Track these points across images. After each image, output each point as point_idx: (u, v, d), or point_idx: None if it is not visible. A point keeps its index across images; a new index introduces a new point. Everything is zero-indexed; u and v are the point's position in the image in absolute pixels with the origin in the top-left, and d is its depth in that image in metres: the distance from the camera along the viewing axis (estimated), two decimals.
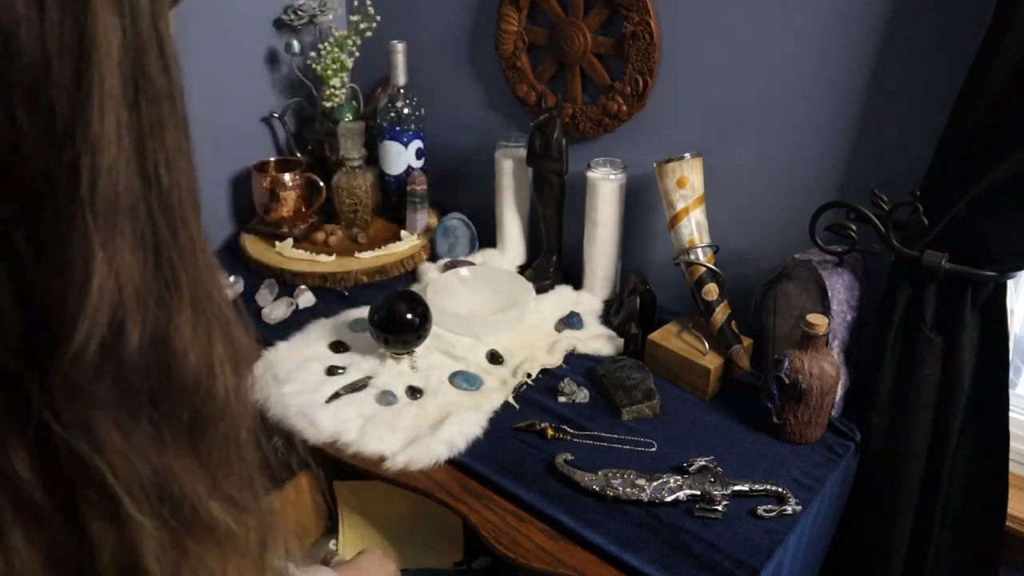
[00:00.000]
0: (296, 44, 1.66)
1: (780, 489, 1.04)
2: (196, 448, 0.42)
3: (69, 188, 0.35)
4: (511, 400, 1.21)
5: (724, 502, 1.01)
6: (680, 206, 1.26)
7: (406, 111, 1.58)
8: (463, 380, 1.24)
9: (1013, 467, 1.17)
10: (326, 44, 1.63)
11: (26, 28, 0.33)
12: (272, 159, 1.67)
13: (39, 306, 0.36)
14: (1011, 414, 1.11)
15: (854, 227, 1.15)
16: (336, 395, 1.18)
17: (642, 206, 1.45)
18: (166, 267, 0.39)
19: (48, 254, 0.36)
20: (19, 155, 0.35)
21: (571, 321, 1.39)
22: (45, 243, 0.36)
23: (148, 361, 0.39)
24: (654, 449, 1.12)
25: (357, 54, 1.67)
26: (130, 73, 0.37)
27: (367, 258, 1.54)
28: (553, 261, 1.51)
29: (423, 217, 1.63)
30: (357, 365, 1.26)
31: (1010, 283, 1.10)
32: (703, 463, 1.07)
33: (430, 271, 1.53)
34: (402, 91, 1.57)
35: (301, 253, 1.55)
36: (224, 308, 0.43)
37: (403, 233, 1.61)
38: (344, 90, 1.67)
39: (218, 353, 0.42)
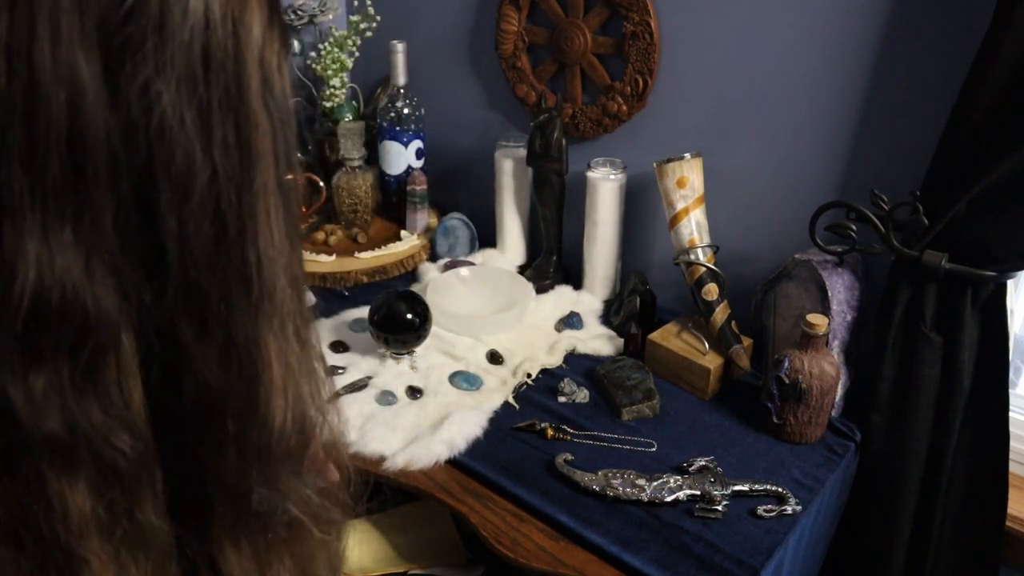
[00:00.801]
0: (296, 44, 1.66)
1: (780, 489, 1.04)
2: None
3: (243, 285, 0.40)
4: (511, 400, 1.20)
5: (724, 502, 1.01)
6: (680, 206, 1.26)
7: (406, 111, 1.58)
8: (463, 380, 1.24)
9: (1013, 467, 1.17)
10: (326, 44, 1.63)
11: (200, 153, 0.37)
12: None
13: (205, 400, 0.41)
14: (1011, 414, 1.11)
15: (854, 227, 1.15)
16: (336, 395, 1.18)
17: (642, 206, 1.45)
18: (306, 356, 0.45)
19: (218, 352, 0.40)
20: (193, 255, 0.38)
21: (571, 321, 1.39)
22: (213, 343, 0.40)
23: (300, 443, 0.45)
24: (654, 449, 1.12)
25: (357, 54, 1.67)
26: (279, 181, 0.41)
27: (367, 258, 1.54)
28: (553, 261, 1.51)
29: (423, 217, 1.63)
30: (357, 365, 1.26)
31: (1010, 283, 1.10)
32: (703, 463, 1.07)
33: (430, 271, 1.53)
34: (402, 91, 1.57)
35: None
36: (321, 365, 0.49)
37: (403, 233, 1.61)
38: (344, 90, 1.67)
39: (325, 408, 0.48)
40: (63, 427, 0.38)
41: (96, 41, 0.34)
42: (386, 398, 1.18)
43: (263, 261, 0.40)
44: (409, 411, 1.16)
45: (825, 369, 1.10)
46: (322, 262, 1.53)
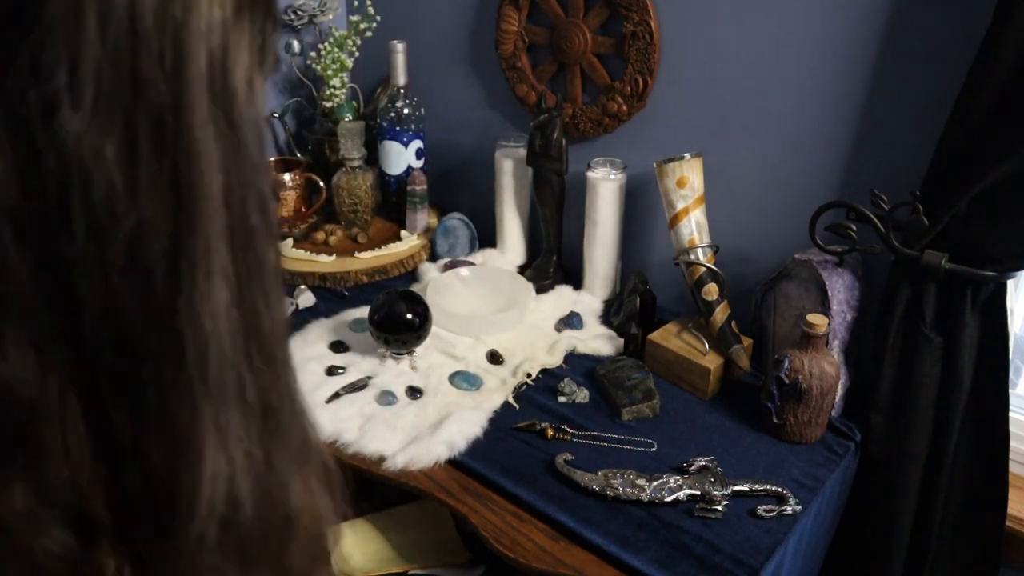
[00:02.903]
0: (296, 44, 1.66)
1: (780, 489, 1.04)
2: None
3: (174, 360, 0.32)
4: (511, 400, 1.20)
5: (724, 502, 1.01)
6: (680, 206, 1.26)
7: (406, 111, 1.58)
8: (463, 380, 1.24)
9: (1013, 467, 1.17)
10: (326, 44, 1.63)
11: (124, 197, 0.30)
12: (272, 159, 1.67)
13: (140, 475, 0.34)
14: (1011, 414, 1.11)
15: (854, 227, 1.15)
16: (336, 395, 1.18)
17: (642, 206, 1.45)
18: (272, 423, 0.37)
19: (149, 424, 0.33)
20: (110, 319, 0.31)
21: (571, 321, 1.39)
22: (144, 412, 0.33)
23: (264, 524, 0.37)
24: (654, 449, 1.12)
25: (357, 54, 1.67)
26: (233, 228, 0.33)
27: (367, 258, 1.54)
28: (553, 261, 1.51)
29: (423, 217, 1.63)
30: (357, 365, 1.26)
31: (1010, 283, 1.10)
32: (703, 463, 1.07)
33: (430, 271, 1.53)
34: (402, 91, 1.57)
35: (301, 253, 1.55)
36: (318, 446, 0.41)
37: (403, 233, 1.61)
38: (344, 90, 1.67)
39: (321, 498, 0.40)
40: None
41: None
42: (386, 398, 1.18)
43: (200, 331, 0.32)
44: (409, 411, 1.16)
45: (825, 369, 1.10)
46: (322, 262, 1.53)
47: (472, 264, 1.52)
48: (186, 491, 0.34)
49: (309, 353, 1.28)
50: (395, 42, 1.54)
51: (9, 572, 0.33)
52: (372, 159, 1.66)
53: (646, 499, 1.02)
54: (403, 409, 1.17)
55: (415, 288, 1.43)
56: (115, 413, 0.32)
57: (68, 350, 0.31)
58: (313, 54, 1.65)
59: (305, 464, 0.39)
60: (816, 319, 1.10)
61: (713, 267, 1.26)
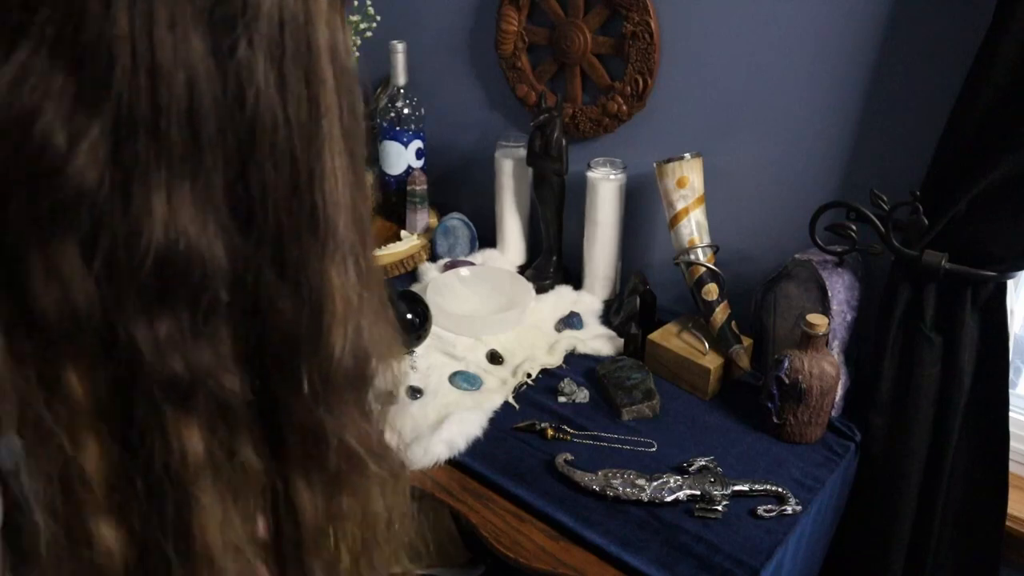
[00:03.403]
0: None
1: (780, 489, 1.04)
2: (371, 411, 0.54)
3: (311, 225, 0.44)
4: (511, 400, 1.21)
5: (724, 502, 1.01)
6: (680, 206, 1.26)
7: (406, 111, 1.58)
8: (463, 380, 1.24)
9: (1013, 467, 1.17)
10: None
11: (266, 95, 0.41)
12: None
13: (286, 338, 0.45)
14: (1011, 414, 1.11)
15: (854, 227, 1.15)
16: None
17: (642, 206, 1.45)
18: (365, 279, 0.48)
19: (295, 290, 0.45)
20: (266, 205, 0.43)
21: (571, 321, 1.39)
22: (291, 282, 0.44)
23: (360, 363, 0.49)
24: (654, 449, 1.12)
25: (357, 54, 1.67)
26: (346, 121, 0.46)
27: None
28: (553, 261, 1.51)
29: (423, 217, 1.63)
30: None
31: (1010, 283, 1.10)
32: (703, 463, 1.07)
33: (430, 271, 1.53)
34: (402, 91, 1.57)
35: None
36: (387, 302, 0.54)
37: (403, 233, 1.61)
38: None
39: (391, 346, 0.53)
40: (184, 369, 0.43)
41: (204, 22, 0.39)
42: None
43: (328, 203, 0.45)
44: (409, 411, 1.16)
45: (825, 369, 1.10)
46: None
47: (472, 264, 1.52)
48: (324, 338, 0.46)
49: None
50: (395, 42, 1.54)
51: (197, 417, 0.44)
52: (372, 159, 1.66)
53: (646, 499, 1.02)
54: (403, 409, 1.17)
55: (415, 288, 1.43)
56: (267, 275, 0.44)
57: (244, 230, 0.43)
58: None
59: (381, 315, 0.52)
60: (816, 319, 1.10)
61: (713, 267, 1.26)
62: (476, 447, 1.11)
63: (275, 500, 0.51)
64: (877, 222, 1.11)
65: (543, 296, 1.45)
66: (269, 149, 0.42)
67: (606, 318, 1.41)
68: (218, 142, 0.41)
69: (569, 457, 1.08)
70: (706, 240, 1.27)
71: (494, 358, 1.30)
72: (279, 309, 0.46)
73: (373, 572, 0.56)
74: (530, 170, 1.48)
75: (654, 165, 1.28)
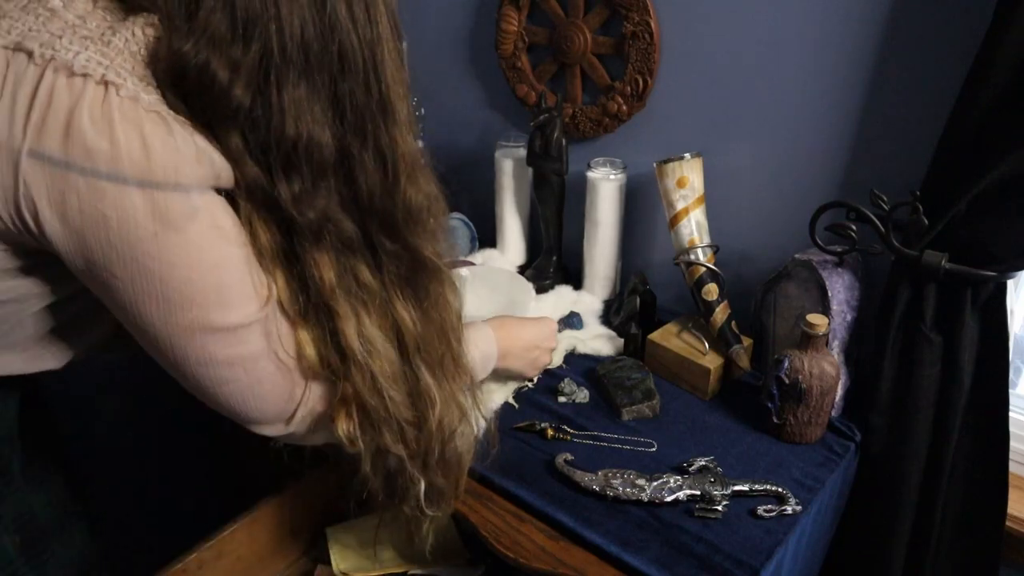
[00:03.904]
0: None
1: (780, 489, 1.04)
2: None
3: (381, 110, 0.72)
4: (511, 400, 1.21)
5: (724, 502, 1.01)
6: (680, 206, 1.26)
7: None
8: None
9: (1013, 467, 1.18)
10: None
11: (345, 27, 0.68)
12: None
13: (374, 194, 0.74)
14: (1011, 414, 1.11)
15: (854, 227, 1.15)
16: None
17: (642, 206, 1.45)
18: (415, 146, 0.78)
19: (373, 154, 0.73)
20: (353, 99, 0.70)
21: (571, 321, 1.39)
22: (372, 152, 0.73)
23: (422, 200, 0.79)
24: (654, 449, 1.12)
25: None
26: (392, 39, 0.73)
27: None
28: (553, 261, 1.51)
29: None
30: None
31: (1010, 283, 1.10)
32: (703, 463, 1.07)
33: None
34: None
35: None
36: (431, 170, 0.83)
37: None
38: None
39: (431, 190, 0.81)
40: (313, 215, 0.71)
41: None
42: None
43: (390, 85, 0.71)
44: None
45: (825, 369, 1.10)
46: None
47: (472, 264, 1.52)
48: (394, 185, 0.76)
49: None
50: None
51: (328, 250, 0.74)
52: None
53: (646, 499, 1.02)
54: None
55: None
56: (355, 146, 0.72)
57: (339, 118, 0.70)
58: None
59: (429, 176, 0.82)
60: (816, 319, 1.10)
61: (713, 267, 1.26)
62: (476, 447, 1.11)
63: (388, 313, 0.79)
64: (877, 222, 1.11)
65: (543, 296, 1.45)
66: (351, 62, 0.68)
67: (606, 318, 1.41)
68: (322, 60, 0.66)
69: (569, 457, 1.08)
70: (706, 240, 1.27)
71: None
72: (367, 169, 0.72)
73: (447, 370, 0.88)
74: (530, 170, 1.48)
75: (654, 165, 1.28)
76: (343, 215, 0.72)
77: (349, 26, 0.65)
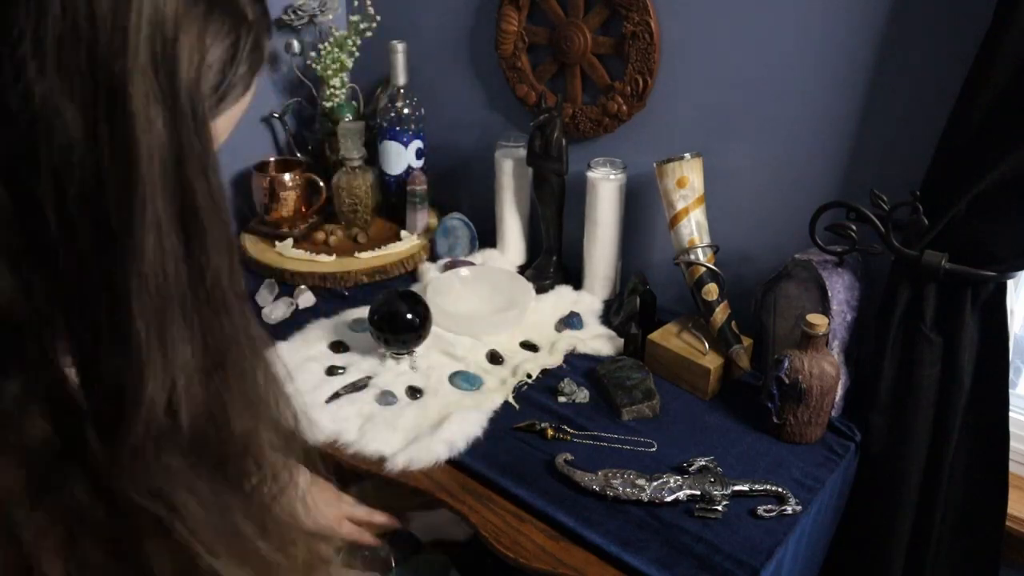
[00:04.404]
0: (296, 44, 1.66)
1: (780, 489, 1.04)
2: (245, 494, 0.48)
3: (121, 287, 0.39)
4: (511, 400, 1.21)
5: (724, 502, 1.01)
6: (680, 206, 1.26)
7: (406, 111, 1.58)
8: (463, 380, 1.24)
9: (1013, 467, 1.17)
10: (326, 44, 1.63)
11: (81, 146, 0.37)
12: (272, 159, 1.67)
13: (102, 382, 0.41)
14: (1011, 414, 1.11)
15: (854, 227, 1.15)
16: (336, 395, 1.18)
17: (642, 206, 1.45)
18: (224, 363, 0.44)
19: (105, 338, 0.40)
20: (72, 249, 0.38)
21: (571, 321, 1.39)
22: (103, 329, 0.40)
23: (203, 437, 0.44)
24: (654, 449, 1.12)
25: (357, 54, 1.66)
26: (174, 182, 0.40)
27: (367, 258, 1.54)
28: (553, 261, 1.51)
29: (423, 217, 1.63)
30: (357, 365, 1.26)
31: (1010, 283, 1.10)
32: (703, 463, 1.07)
33: (430, 271, 1.53)
34: (402, 91, 1.57)
35: (301, 253, 1.55)
36: (268, 387, 0.48)
37: (403, 233, 1.61)
38: (344, 90, 1.67)
39: (263, 430, 0.47)
40: None
41: None
42: (386, 398, 1.18)
43: (139, 267, 0.39)
44: (409, 411, 1.16)
45: (825, 369, 1.10)
46: (322, 262, 1.53)
47: (472, 264, 1.52)
48: (131, 399, 0.41)
49: (309, 353, 1.28)
50: (395, 42, 1.54)
51: (3, 465, 0.40)
52: (372, 159, 1.66)
53: (646, 499, 1.02)
54: (403, 409, 1.17)
55: (415, 288, 1.43)
56: (79, 327, 0.40)
57: (42, 274, 0.39)
58: (313, 54, 1.65)
59: (261, 412, 0.47)
60: (816, 319, 1.10)
61: (713, 267, 1.26)
62: (476, 447, 1.11)
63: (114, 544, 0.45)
64: (877, 222, 1.11)
65: (543, 296, 1.45)
66: (60, 189, 0.37)
67: (606, 318, 1.41)
68: None
69: (569, 457, 1.08)
70: (706, 240, 1.27)
71: (494, 358, 1.30)
72: (91, 355, 0.41)
73: None
74: (530, 170, 1.48)
75: (654, 165, 1.28)
76: (38, 415, 0.43)
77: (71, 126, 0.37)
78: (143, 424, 0.41)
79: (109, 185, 0.38)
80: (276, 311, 1.39)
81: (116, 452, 0.42)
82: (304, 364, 1.24)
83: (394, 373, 1.24)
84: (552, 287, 1.48)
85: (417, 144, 1.62)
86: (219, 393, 0.44)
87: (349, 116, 1.67)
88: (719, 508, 1.01)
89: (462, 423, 1.12)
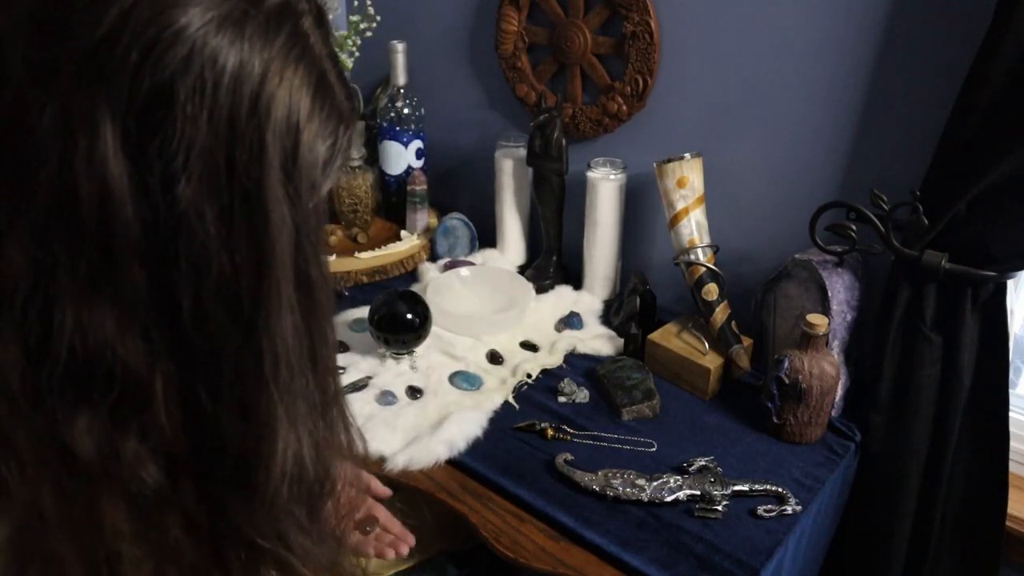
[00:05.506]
0: None
1: (780, 489, 1.04)
2: (331, 524, 0.57)
3: (255, 364, 0.45)
4: (511, 400, 1.21)
5: (724, 502, 1.01)
6: (680, 206, 1.26)
7: (406, 111, 1.58)
8: (463, 380, 1.24)
9: (1013, 467, 1.18)
10: None
11: (217, 240, 0.41)
12: None
13: (219, 442, 0.46)
14: (1011, 414, 1.11)
15: (854, 227, 1.15)
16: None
17: (642, 206, 1.45)
18: (327, 413, 0.51)
19: (229, 402, 0.45)
20: (203, 326, 0.43)
21: (571, 321, 1.39)
22: (224, 393, 0.45)
23: (319, 481, 0.51)
24: (654, 449, 1.12)
25: (357, 54, 1.66)
26: (298, 274, 0.45)
27: (367, 258, 1.54)
28: (553, 261, 1.51)
29: (423, 217, 1.63)
30: (357, 365, 1.26)
31: (1010, 283, 1.10)
32: (703, 463, 1.07)
33: (430, 271, 1.53)
34: (402, 91, 1.57)
35: None
36: (348, 429, 0.56)
37: (403, 233, 1.61)
38: None
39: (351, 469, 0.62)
40: (97, 455, 0.44)
41: (126, 146, 0.39)
42: (386, 398, 1.18)
43: (272, 345, 0.45)
44: (409, 411, 1.16)
45: (825, 369, 1.10)
46: None
47: (472, 264, 1.52)
48: (264, 460, 0.47)
49: None
50: (395, 42, 1.54)
51: (114, 505, 0.45)
52: (372, 159, 1.66)
53: (646, 499, 1.02)
54: (403, 409, 1.17)
55: (415, 288, 1.43)
56: (199, 391, 0.44)
57: (172, 345, 0.43)
58: None
59: (342, 445, 0.55)
60: (816, 319, 1.10)
61: (713, 267, 1.26)
62: (476, 447, 1.11)
63: None
64: (877, 222, 1.11)
65: (543, 296, 1.45)
66: (198, 278, 0.42)
67: (606, 318, 1.41)
68: (133, 258, 0.41)
69: (569, 457, 1.08)
70: (706, 240, 1.27)
71: (494, 358, 1.30)
72: (215, 426, 0.46)
73: None
74: (530, 170, 1.48)
75: (654, 165, 1.28)
76: (151, 466, 0.46)
77: (210, 232, 0.42)
78: (276, 479, 0.47)
79: (244, 273, 0.43)
80: None
81: (247, 502, 0.48)
82: None
83: (394, 373, 1.24)
84: (552, 287, 1.48)
85: (417, 144, 1.62)
86: (324, 441, 0.51)
87: None
88: (719, 508, 1.01)
89: (462, 423, 1.12)
